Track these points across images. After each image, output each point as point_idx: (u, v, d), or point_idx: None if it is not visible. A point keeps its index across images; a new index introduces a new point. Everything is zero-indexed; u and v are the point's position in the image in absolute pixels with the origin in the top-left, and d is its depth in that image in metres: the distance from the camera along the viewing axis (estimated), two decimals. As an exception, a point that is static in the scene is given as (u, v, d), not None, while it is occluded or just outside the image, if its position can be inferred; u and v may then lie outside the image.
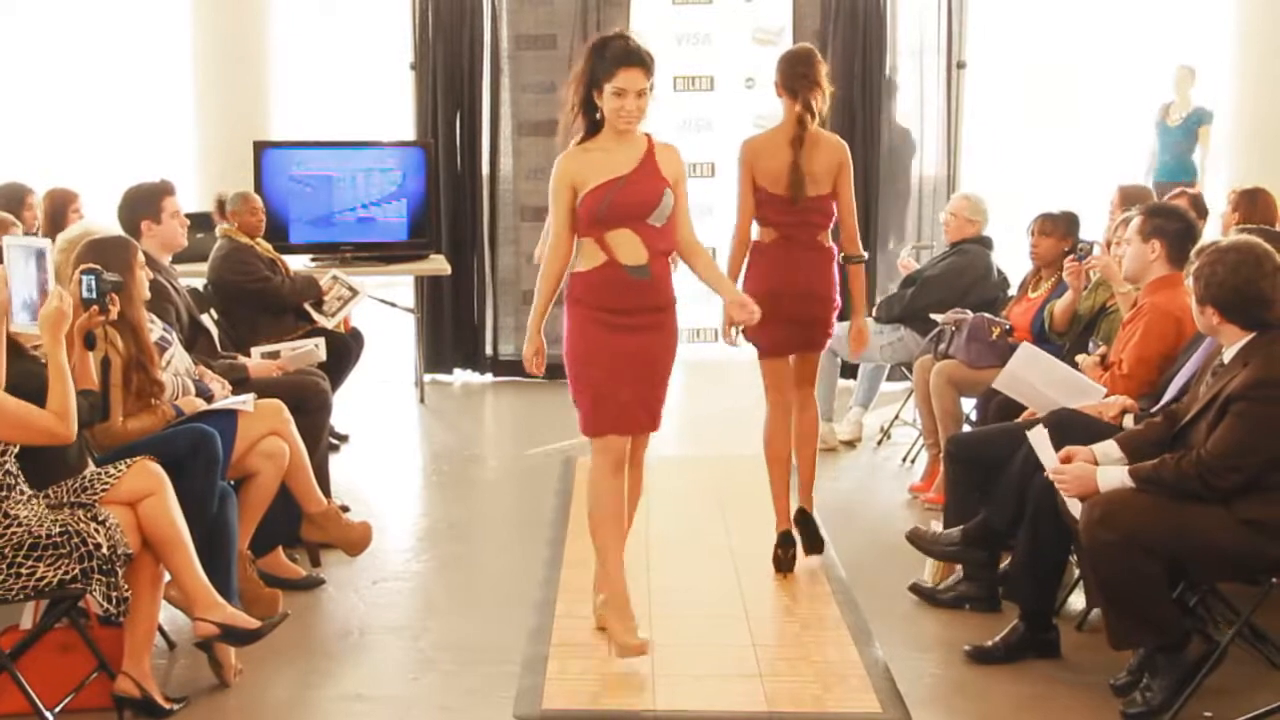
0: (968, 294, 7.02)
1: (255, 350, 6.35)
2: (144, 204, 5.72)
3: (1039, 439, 4.61)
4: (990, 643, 4.83)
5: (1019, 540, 4.81)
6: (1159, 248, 5.15)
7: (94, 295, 4.42)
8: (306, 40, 10.96)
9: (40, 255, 4.32)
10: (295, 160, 8.46)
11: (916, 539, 5.28)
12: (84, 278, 4.42)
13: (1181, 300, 5.11)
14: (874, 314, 7.61)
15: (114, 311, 4.49)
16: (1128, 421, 4.88)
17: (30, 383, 4.15)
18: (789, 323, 5.40)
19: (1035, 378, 5.28)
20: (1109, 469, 4.38)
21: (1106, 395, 5.10)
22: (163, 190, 5.82)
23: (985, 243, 7.26)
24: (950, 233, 7.29)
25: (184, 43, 9.26)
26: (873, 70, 8.99)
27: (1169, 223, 5.19)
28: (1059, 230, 6.56)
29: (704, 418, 8.33)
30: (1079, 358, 5.66)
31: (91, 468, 4.48)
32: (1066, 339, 6.15)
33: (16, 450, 4.12)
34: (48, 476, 4.29)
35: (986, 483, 5.19)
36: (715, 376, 9.22)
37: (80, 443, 4.43)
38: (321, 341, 6.53)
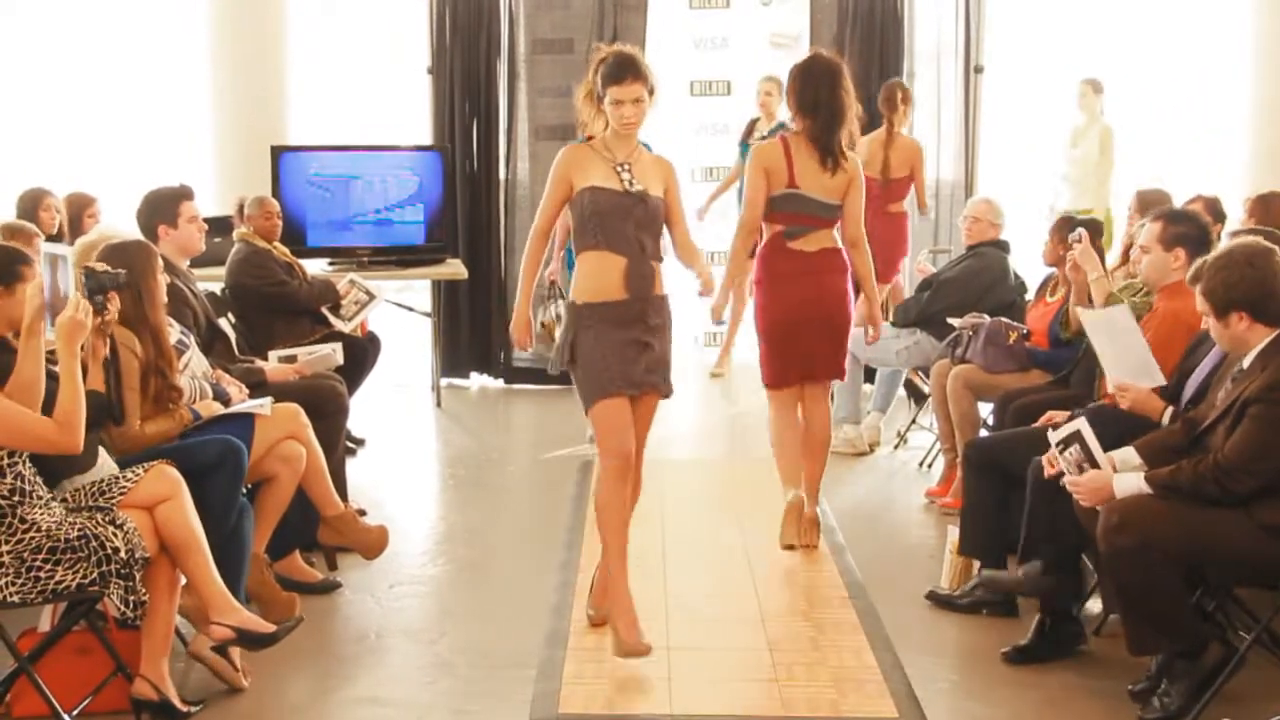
0: (984, 297, 7.00)
1: (272, 354, 6.35)
2: (161, 209, 5.73)
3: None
4: (1025, 641, 4.84)
5: (1025, 533, 4.81)
6: (1183, 256, 5.12)
7: (85, 294, 4.24)
8: (324, 44, 10.98)
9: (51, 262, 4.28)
10: (313, 164, 8.48)
11: (993, 582, 5.18)
12: (82, 276, 4.36)
13: (1195, 306, 5.09)
14: (891, 318, 7.62)
15: (112, 310, 4.36)
16: (1166, 418, 4.84)
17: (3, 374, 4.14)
18: None
19: (1113, 337, 5.10)
20: (1125, 476, 4.37)
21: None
22: (180, 195, 5.83)
23: (1002, 246, 7.24)
24: (970, 236, 7.26)
25: (202, 47, 9.27)
26: (890, 74, 8.97)
27: (1190, 229, 5.17)
28: (1062, 232, 6.49)
29: (716, 421, 8.32)
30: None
31: (108, 471, 4.49)
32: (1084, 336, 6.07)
33: (27, 454, 4.12)
34: (54, 473, 4.29)
35: (1004, 487, 5.19)
36: (726, 379, 9.23)
37: (90, 440, 4.38)
38: (338, 345, 6.53)
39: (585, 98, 4.91)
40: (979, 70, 9.04)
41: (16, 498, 4.08)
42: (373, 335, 7.50)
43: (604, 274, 4.77)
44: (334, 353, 6.41)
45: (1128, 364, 4.96)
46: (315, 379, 6.15)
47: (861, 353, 7.56)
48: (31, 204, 7.17)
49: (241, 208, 7.26)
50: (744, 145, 9.49)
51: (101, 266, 4.41)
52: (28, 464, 4.12)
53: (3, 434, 4.02)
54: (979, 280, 7.13)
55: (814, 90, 5.60)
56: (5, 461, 4.06)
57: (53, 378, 4.14)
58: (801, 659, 4.83)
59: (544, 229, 4.97)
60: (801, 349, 5.78)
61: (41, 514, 4.11)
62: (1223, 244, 4.61)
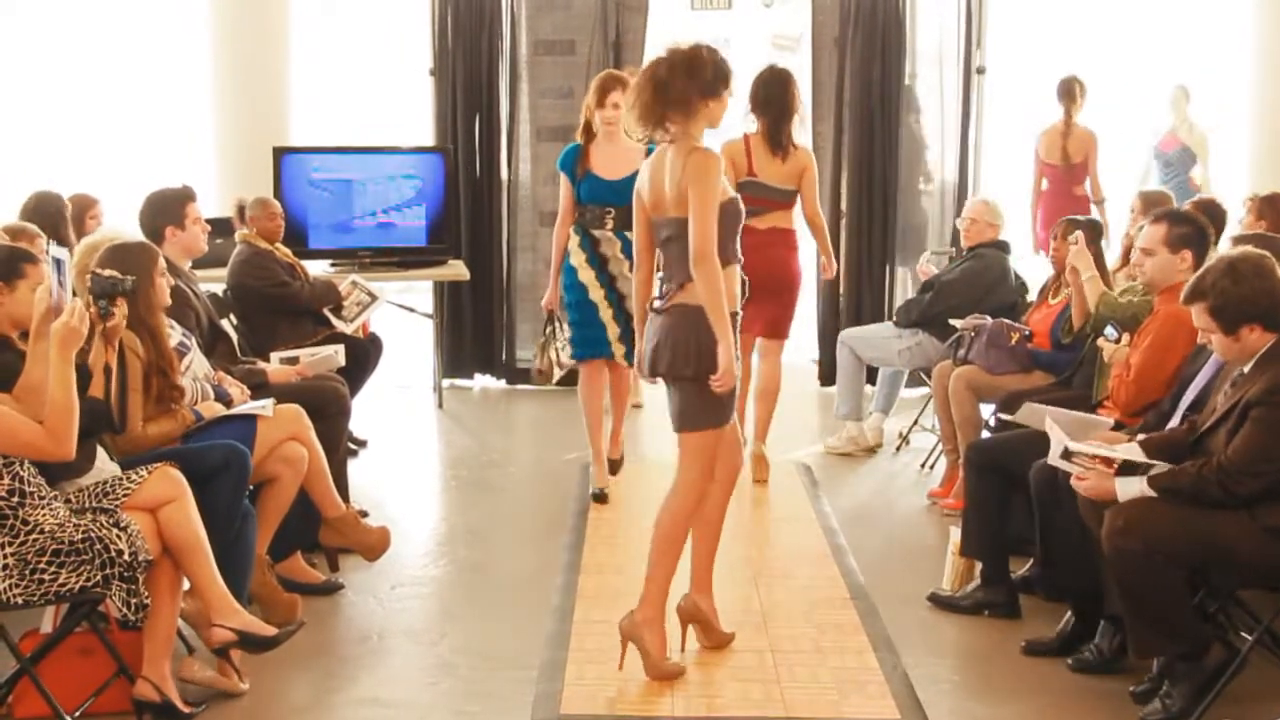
0: (985, 298, 7.01)
1: (274, 355, 6.35)
2: (168, 210, 5.74)
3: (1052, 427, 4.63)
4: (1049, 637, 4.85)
5: (1041, 538, 4.80)
6: (1189, 258, 5.11)
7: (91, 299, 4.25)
8: (326, 46, 10.99)
9: (58, 265, 4.28)
10: (315, 165, 8.47)
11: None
12: (88, 281, 4.34)
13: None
14: (893, 319, 7.63)
15: (117, 316, 4.37)
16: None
17: (4, 374, 4.14)
18: None
19: (1049, 419, 5.19)
20: (1128, 479, 4.37)
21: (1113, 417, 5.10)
22: (185, 196, 5.84)
23: (1003, 247, 7.25)
24: (969, 237, 7.28)
25: (204, 48, 9.28)
26: (891, 76, 8.98)
27: (1193, 230, 5.15)
28: (1066, 234, 6.49)
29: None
30: (1100, 342, 5.65)
31: (110, 471, 4.49)
32: (1084, 338, 6.07)
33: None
34: (50, 477, 4.27)
35: (1005, 489, 5.18)
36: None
37: (86, 444, 4.36)
38: (340, 347, 6.53)
39: (706, 97, 4.70)
40: (981, 72, 9.03)
41: (16, 499, 4.07)
42: (374, 336, 7.50)
43: (730, 284, 4.57)
44: (336, 354, 6.41)
45: (1072, 428, 4.96)
46: (317, 380, 6.15)
47: (864, 353, 7.58)
48: (53, 214, 6.94)
49: (241, 210, 7.25)
50: None
51: (108, 272, 4.42)
52: (26, 465, 4.11)
53: None
54: (980, 281, 7.13)
55: (767, 92, 6.72)
56: (2, 464, 4.06)
57: None
58: (803, 660, 4.84)
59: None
60: (751, 306, 6.06)
61: (44, 515, 4.11)
62: (1215, 258, 4.60)
